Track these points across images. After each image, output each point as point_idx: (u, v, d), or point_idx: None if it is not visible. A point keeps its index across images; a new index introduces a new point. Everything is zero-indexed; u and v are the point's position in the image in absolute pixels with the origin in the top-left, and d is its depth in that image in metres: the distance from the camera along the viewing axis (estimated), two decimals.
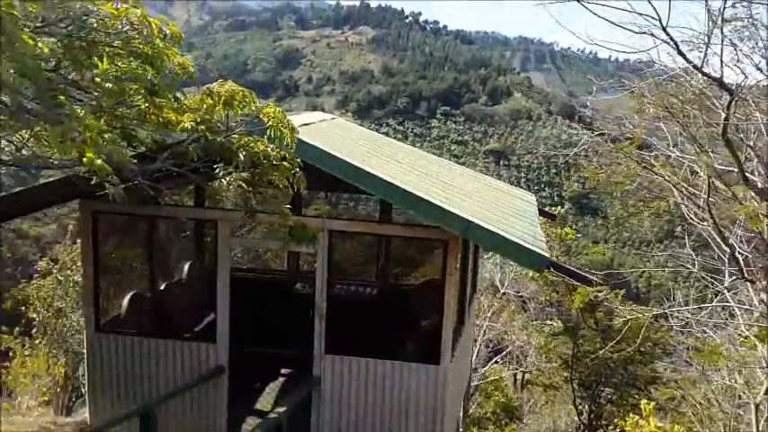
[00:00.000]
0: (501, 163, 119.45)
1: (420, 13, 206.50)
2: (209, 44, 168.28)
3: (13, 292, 14.87)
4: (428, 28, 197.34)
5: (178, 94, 4.48)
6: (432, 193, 6.60)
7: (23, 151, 3.77)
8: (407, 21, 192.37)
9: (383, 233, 8.24)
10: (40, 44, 3.49)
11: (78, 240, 13.66)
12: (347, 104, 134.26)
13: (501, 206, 8.23)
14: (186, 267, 8.86)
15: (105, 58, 3.80)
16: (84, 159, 3.13)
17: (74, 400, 13.35)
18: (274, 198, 5.40)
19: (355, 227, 7.70)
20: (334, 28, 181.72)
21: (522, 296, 18.64)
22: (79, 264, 13.09)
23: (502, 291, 18.04)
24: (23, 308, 13.50)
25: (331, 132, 8.59)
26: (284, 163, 4.88)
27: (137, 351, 7.14)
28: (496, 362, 18.24)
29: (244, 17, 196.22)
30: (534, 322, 18.25)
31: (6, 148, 3.88)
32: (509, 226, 6.63)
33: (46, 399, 12.36)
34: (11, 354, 13.08)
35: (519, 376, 20.49)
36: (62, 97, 3.62)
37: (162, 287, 8.36)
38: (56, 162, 3.72)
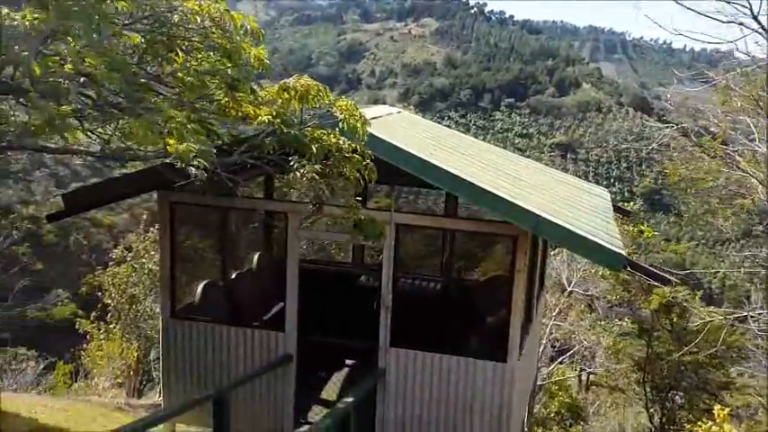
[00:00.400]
0: (568, 157, 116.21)
1: (485, 4, 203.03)
2: (275, 39, 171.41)
3: (88, 278, 15.61)
4: (493, 18, 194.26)
5: (254, 87, 4.58)
6: (498, 186, 6.46)
7: (111, 144, 3.92)
8: (472, 11, 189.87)
9: (451, 227, 8.16)
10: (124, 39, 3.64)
11: (150, 229, 14.25)
12: (409, 97, 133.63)
13: (572, 201, 7.99)
14: (256, 257, 9.06)
15: (181, 53, 3.91)
16: (169, 147, 3.23)
17: (144, 383, 13.93)
18: (345, 190, 5.44)
19: (423, 221, 7.66)
20: (397, 20, 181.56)
21: (590, 295, 18.08)
22: (152, 252, 13.65)
23: (569, 289, 17.55)
24: (99, 293, 14.15)
25: (397, 125, 8.56)
26: (355, 155, 4.90)
27: (209, 337, 7.36)
28: (561, 362, 17.79)
29: (309, 12, 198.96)
30: (603, 322, 17.71)
31: (96, 140, 4.05)
32: (582, 222, 6.43)
33: (119, 381, 12.96)
34: (88, 337, 13.78)
35: (584, 377, 19.96)
36: (145, 92, 3.76)
37: (233, 276, 8.59)
38: (141, 153, 3.86)
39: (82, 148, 4.46)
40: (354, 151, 4.89)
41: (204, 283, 7.90)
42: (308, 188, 4.93)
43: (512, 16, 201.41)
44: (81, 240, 53.02)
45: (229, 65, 4.12)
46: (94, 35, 3.16)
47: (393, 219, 6.71)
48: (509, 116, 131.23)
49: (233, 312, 8.11)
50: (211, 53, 4.15)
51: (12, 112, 4.54)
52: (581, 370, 18.82)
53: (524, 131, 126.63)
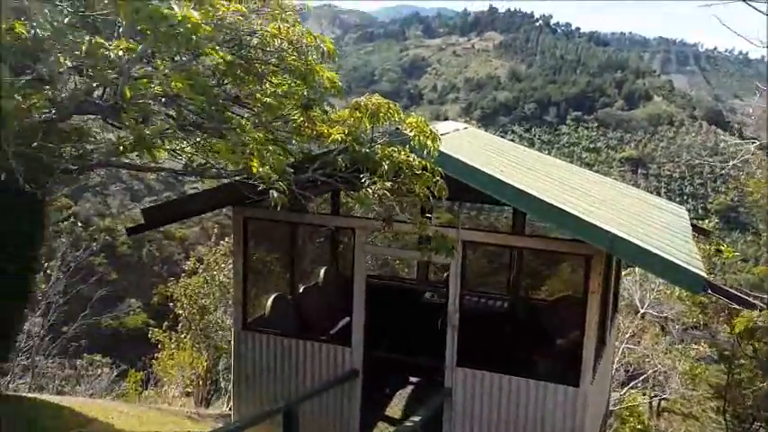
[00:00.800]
0: (638, 172, 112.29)
1: (551, 16, 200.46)
2: (340, 57, 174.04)
3: (160, 288, 16.14)
4: (559, 30, 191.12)
5: (326, 107, 4.68)
6: (566, 201, 6.30)
7: (193, 162, 4.08)
8: (537, 24, 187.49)
9: (519, 245, 8.01)
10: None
11: (220, 243, 14.69)
12: (471, 112, 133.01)
13: (647, 218, 7.70)
14: (322, 272, 9.18)
15: (258, 75, 4.04)
16: (253, 168, 3.34)
17: (212, 393, 14.25)
18: (413, 206, 5.43)
19: (490, 238, 7.57)
20: (460, 35, 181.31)
21: (665, 317, 17.26)
22: (222, 265, 14.05)
23: (642, 311, 16.83)
24: (170, 304, 14.63)
25: (462, 140, 8.52)
26: (425, 172, 4.90)
27: (278, 350, 7.49)
28: (634, 387, 17.03)
29: (372, 29, 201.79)
30: (678, 346, 16.88)
31: (178, 158, 4.22)
32: (659, 241, 6.19)
33: (189, 390, 13.30)
34: (159, 346, 14.26)
35: (655, 403, 19.05)
36: (226, 113, 3.91)
37: (300, 290, 8.73)
38: (222, 171, 4.00)
39: (161, 164, 4.66)
40: (424, 168, 4.89)
41: (274, 296, 8.07)
42: (378, 205, 4.96)
43: (578, 28, 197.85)
44: (153, 252, 55.22)
45: (304, 86, 4.23)
46: (180, 57, 3.31)
47: (460, 236, 6.66)
48: (576, 130, 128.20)
49: (301, 326, 8.23)
50: (287, 75, 4.27)
51: (99, 132, 4.80)
52: (653, 395, 17.95)
53: (592, 145, 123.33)
